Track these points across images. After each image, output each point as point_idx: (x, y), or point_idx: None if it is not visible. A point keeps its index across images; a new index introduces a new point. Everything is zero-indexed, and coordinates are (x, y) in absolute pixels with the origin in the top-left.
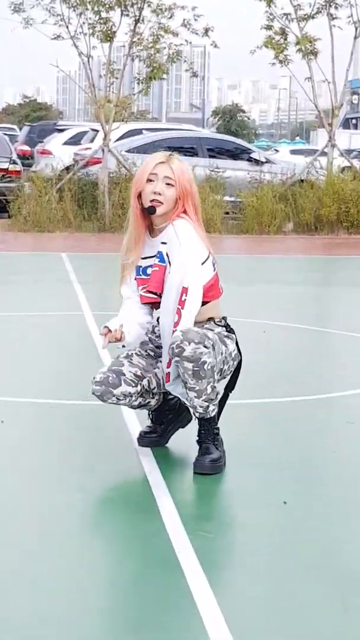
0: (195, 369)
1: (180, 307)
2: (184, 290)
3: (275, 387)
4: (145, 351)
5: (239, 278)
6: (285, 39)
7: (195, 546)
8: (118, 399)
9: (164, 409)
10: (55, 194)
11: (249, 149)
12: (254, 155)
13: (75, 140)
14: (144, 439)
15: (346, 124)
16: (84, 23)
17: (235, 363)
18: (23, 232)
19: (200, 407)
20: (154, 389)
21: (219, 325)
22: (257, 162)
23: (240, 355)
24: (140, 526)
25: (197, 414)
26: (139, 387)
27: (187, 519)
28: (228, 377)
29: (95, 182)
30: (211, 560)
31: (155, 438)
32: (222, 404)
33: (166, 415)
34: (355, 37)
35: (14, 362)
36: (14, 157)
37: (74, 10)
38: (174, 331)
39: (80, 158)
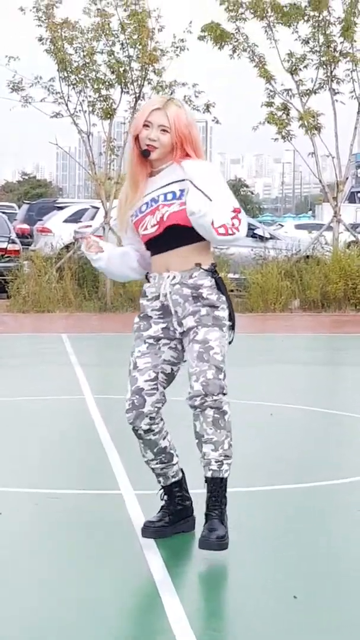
0: (216, 415)
1: (235, 231)
2: (237, 211)
3: (283, 473)
4: (144, 342)
5: (244, 358)
6: (288, 115)
7: None
8: (151, 417)
9: (176, 495)
10: (55, 273)
11: (253, 225)
12: (258, 232)
13: (75, 218)
14: (149, 529)
15: (352, 197)
16: (83, 100)
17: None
18: (22, 312)
19: (216, 462)
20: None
21: (206, 273)
22: (262, 238)
23: (226, 295)
24: (145, 625)
25: (209, 472)
26: (159, 391)
27: (194, 616)
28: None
29: None
30: None
31: (161, 527)
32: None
33: (176, 505)
34: (359, 112)
35: (12, 450)
36: (13, 236)
37: (74, 88)
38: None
39: (80, 236)
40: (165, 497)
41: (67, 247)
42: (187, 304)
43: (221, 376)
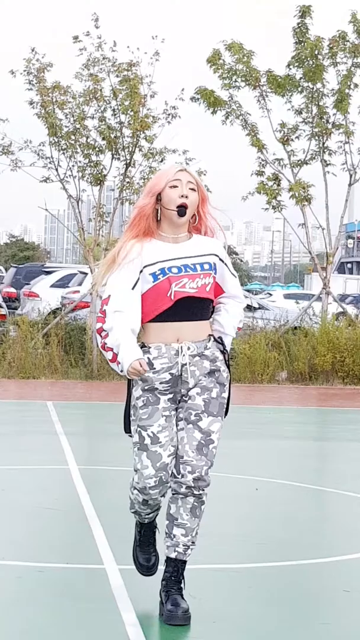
0: (195, 504)
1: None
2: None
3: (267, 551)
4: (162, 415)
5: (229, 430)
6: (279, 185)
7: None
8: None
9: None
10: (42, 339)
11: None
12: (246, 302)
13: (63, 283)
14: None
15: (341, 268)
16: (73, 166)
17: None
18: (7, 378)
19: (184, 546)
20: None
21: (216, 344)
22: (250, 307)
23: (230, 373)
24: None
25: (174, 554)
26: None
27: None
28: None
29: (83, 327)
30: None
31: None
32: None
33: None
34: (350, 184)
35: None
36: None
37: (64, 153)
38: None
39: (68, 302)
40: (152, 532)
41: (54, 312)
42: (203, 377)
43: (211, 470)
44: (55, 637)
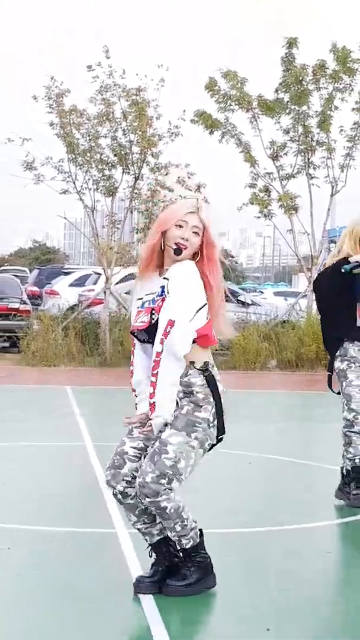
0: (157, 511)
1: (163, 338)
2: (170, 323)
3: (258, 516)
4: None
5: (226, 412)
6: (269, 196)
7: None
8: (127, 481)
9: (164, 551)
10: (61, 332)
11: (237, 292)
12: (240, 298)
13: (79, 283)
14: (142, 584)
15: None
16: (89, 179)
17: (214, 427)
18: (31, 366)
19: (172, 538)
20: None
21: (199, 372)
22: (244, 304)
23: (217, 398)
24: None
25: (172, 543)
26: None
27: None
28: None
29: (97, 321)
30: None
31: (153, 582)
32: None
33: (165, 560)
34: (332, 195)
35: (17, 491)
36: (24, 297)
37: (80, 168)
38: (156, 362)
39: (84, 299)
40: (153, 553)
41: (72, 308)
42: (177, 398)
43: (163, 481)
44: (67, 602)
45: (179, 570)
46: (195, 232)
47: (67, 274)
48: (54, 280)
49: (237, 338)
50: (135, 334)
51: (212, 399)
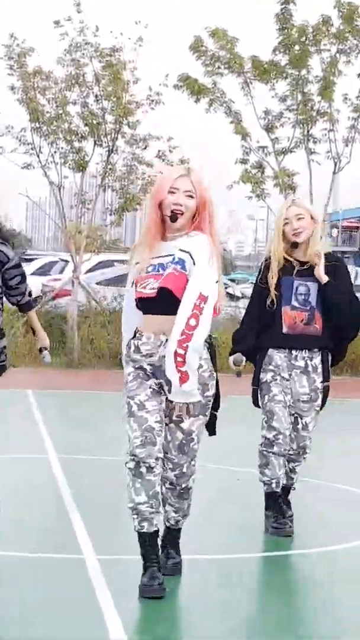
0: (182, 492)
1: (198, 313)
2: (203, 298)
3: (248, 542)
4: (149, 387)
5: None
6: (263, 173)
7: None
8: (157, 458)
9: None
10: (21, 328)
11: (225, 284)
12: (230, 290)
13: (43, 271)
14: (149, 588)
15: None
16: (55, 152)
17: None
18: None
19: (174, 519)
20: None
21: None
22: (232, 297)
23: (216, 372)
24: None
25: (167, 524)
26: (163, 436)
27: None
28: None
29: (63, 315)
30: None
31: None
32: (211, 425)
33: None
34: (334, 172)
35: None
36: None
37: (46, 139)
38: (188, 335)
39: (48, 290)
40: (152, 548)
41: (34, 300)
42: None
43: (194, 462)
44: (32, 624)
45: (164, 549)
46: (189, 196)
47: (29, 260)
48: None
49: (223, 336)
50: (143, 304)
51: (215, 375)
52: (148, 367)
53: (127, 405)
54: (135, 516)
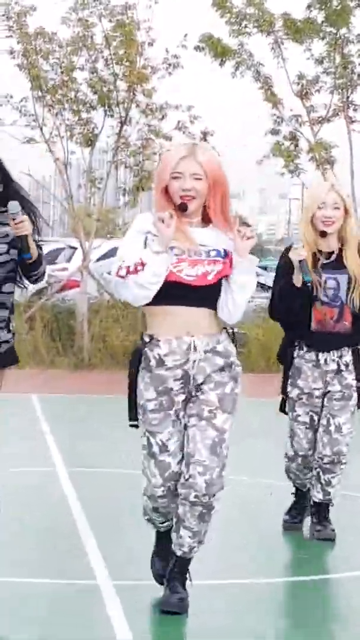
0: (204, 511)
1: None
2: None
3: (281, 565)
4: (171, 422)
5: (240, 427)
6: (296, 146)
7: None
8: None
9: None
10: (25, 324)
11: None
12: (260, 280)
13: (49, 260)
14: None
15: None
16: (60, 124)
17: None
18: None
19: (189, 547)
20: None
21: (227, 336)
22: (263, 286)
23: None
24: None
25: (180, 552)
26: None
27: None
28: None
29: (72, 309)
30: None
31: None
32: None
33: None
34: None
35: None
36: None
37: (50, 110)
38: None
39: (54, 280)
40: (170, 542)
41: (39, 292)
42: (214, 373)
43: (224, 473)
44: None
45: (170, 582)
46: (197, 178)
47: None
48: None
49: (255, 331)
50: (177, 291)
51: (240, 370)
52: (175, 385)
53: (146, 439)
54: (150, 524)
